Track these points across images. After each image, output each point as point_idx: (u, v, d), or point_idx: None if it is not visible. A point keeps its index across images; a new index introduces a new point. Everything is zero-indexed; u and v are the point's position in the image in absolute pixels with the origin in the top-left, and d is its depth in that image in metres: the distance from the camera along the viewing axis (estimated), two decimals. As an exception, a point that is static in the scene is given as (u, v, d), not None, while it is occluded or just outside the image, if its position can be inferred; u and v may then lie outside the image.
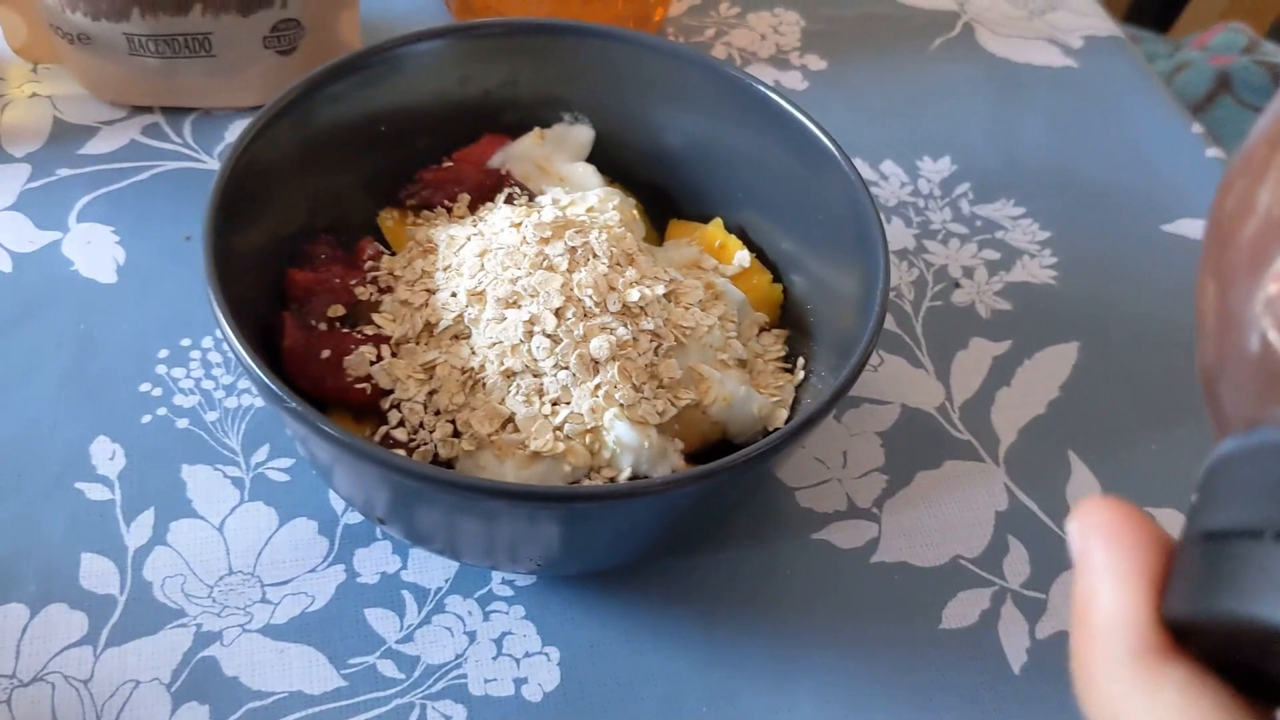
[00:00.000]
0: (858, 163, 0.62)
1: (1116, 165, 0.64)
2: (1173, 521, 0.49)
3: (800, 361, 0.47)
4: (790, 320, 0.50)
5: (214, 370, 0.50)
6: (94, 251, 0.54)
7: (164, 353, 0.50)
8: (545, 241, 0.44)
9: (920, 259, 0.58)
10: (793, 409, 0.46)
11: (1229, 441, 0.23)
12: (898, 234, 0.59)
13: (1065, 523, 0.25)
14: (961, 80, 0.68)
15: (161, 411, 0.49)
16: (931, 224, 0.60)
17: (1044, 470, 0.50)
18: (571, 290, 0.43)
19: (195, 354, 0.51)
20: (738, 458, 0.37)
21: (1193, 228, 0.61)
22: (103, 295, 0.52)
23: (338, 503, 0.46)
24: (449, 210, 0.50)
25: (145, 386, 0.49)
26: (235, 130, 0.60)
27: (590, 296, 0.43)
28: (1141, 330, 0.56)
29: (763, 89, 0.48)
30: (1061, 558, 0.48)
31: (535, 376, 0.42)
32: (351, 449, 0.36)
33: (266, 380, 0.37)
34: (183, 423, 0.48)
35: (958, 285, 0.57)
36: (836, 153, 0.46)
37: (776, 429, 0.45)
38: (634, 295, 0.44)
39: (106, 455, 0.47)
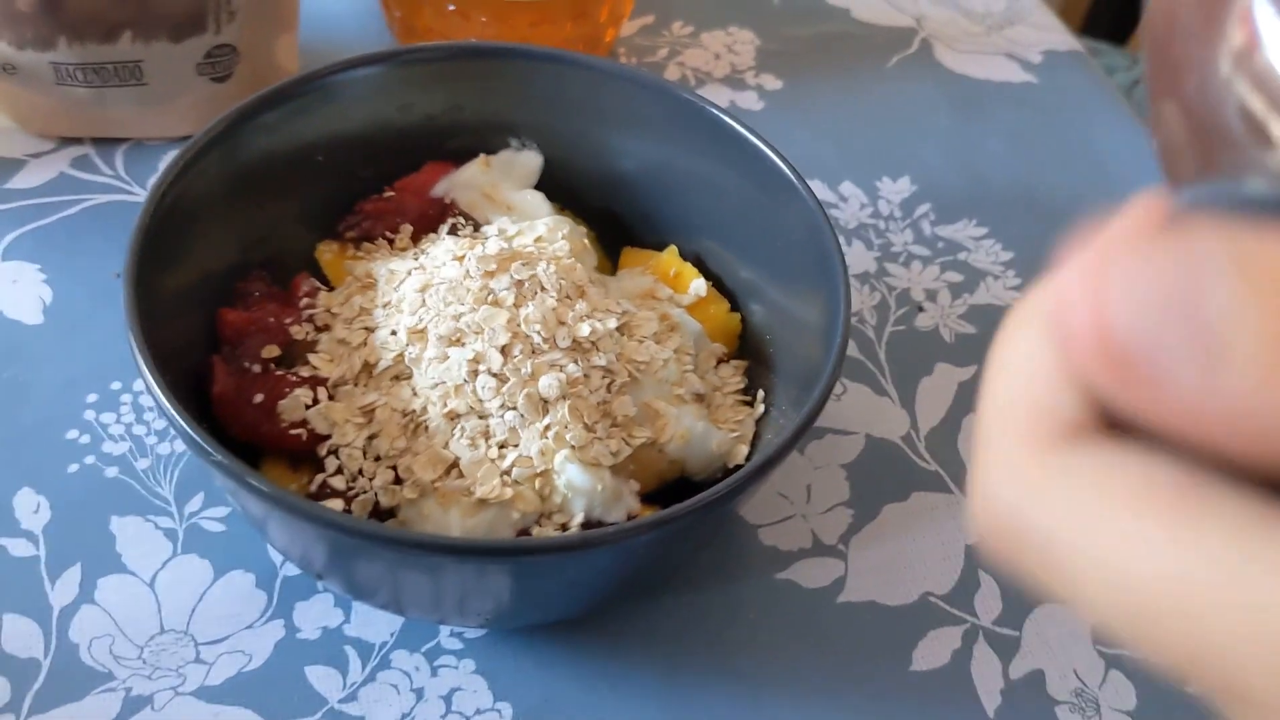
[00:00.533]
0: (816, 185, 0.60)
1: (1080, 184, 0.63)
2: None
3: (760, 394, 0.45)
4: (749, 350, 0.48)
5: (146, 414, 0.48)
6: (19, 291, 0.51)
7: (93, 397, 0.48)
8: (490, 275, 0.42)
9: (882, 282, 0.57)
10: (753, 443, 0.44)
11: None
12: (858, 257, 0.57)
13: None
14: (921, 98, 0.67)
15: (89, 460, 0.46)
16: (893, 246, 0.58)
17: (1014, 500, 0.49)
18: (518, 326, 0.41)
19: (126, 398, 0.48)
20: (697, 502, 0.35)
21: (1158, 245, 0.60)
22: (28, 338, 0.50)
23: (276, 554, 0.44)
24: (390, 242, 0.48)
25: (72, 434, 0.47)
26: (169, 160, 0.57)
27: (538, 332, 0.41)
28: (1109, 352, 0.55)
29: (717, 113, 0.47)
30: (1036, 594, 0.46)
31: (481, 418, 0.40)
32: (283, 504, 0.34)
33: (190, 431, 0.35)
34: (112, 471, 0.46)
35: (921, 309, 0.56)
36: (794, 178, 0.44)
37: (737, 465, 0.44)
38: (584, 330, 0.42)
39: (30, 508, 0.45)
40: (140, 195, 0.56)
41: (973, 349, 0.54)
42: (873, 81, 0.67)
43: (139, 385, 0.48)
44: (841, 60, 0.68)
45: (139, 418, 0.48)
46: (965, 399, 0.52)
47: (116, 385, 0.48)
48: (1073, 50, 0.71)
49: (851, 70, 0.68)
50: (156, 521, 0.45)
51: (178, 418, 0.35)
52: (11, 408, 0.47)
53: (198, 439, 0.34)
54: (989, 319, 0.55)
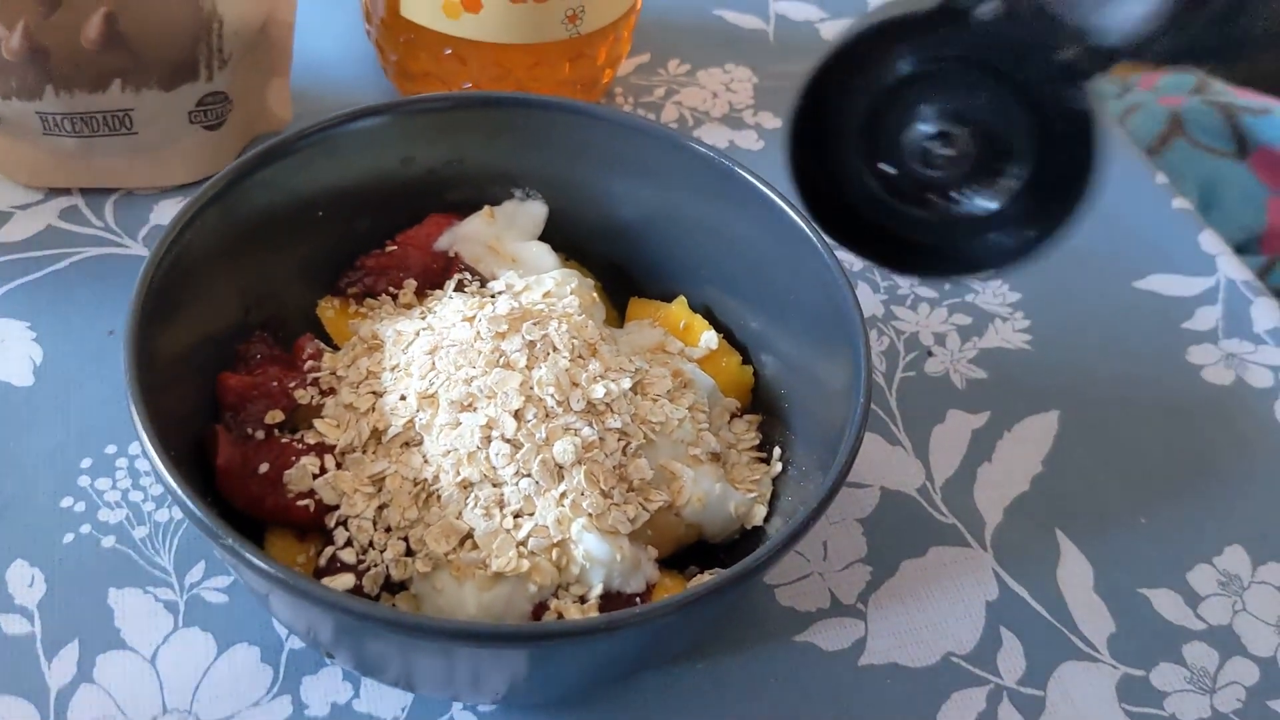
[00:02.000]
0: (820, 226, 0.59)
1: (1084, 222, 0.62)
2: (1171, 605, 0.47)
3: (777, 452, 0.44)
4: (762, 404, 0.47)
5: (143, 480, 0.46)
6: (8, 351, 0.50)
7: (87, 462, 0.46)
8: (501, 336, 0.41)
9: (890, 326, 0.56)
10: (771, 503, 0.43)
11: None
12: (865, 300, 0.56)
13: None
14: (921, 135, 0.66)
15: (85, 529, 0.45)
16: (899, 288, 0.57)
17: (1033, 553, 0.48)
18: (531, 389, 0.40)
19: (122, 462, 0.47)
20: (725, 579, 0.34)
21: (1165, 284, 0.59)
22: (18, 400, 0.48)
23: (282, 626, 0.43)
24: (394, 298, 0.47)
25: (67, 501, 0.45)
26: (161, 211, 0.56)
27: (552, 395, 0.40)
28: (1119, 395, 0.54)
29: (727, 162, 0.46)
30: (1058, 649, 0.45)
31: (495, 486, 0.39)
32: (292, 588, 0.33)
33: (199, 514, 0.33)
34: (109, 540, 0.44)
35: (930, 354, 0.55)
36: (806, 229, 0.43)
37: (755, 526, 0.43)
38: (599, 391, 0.41)
39: (24, 582, 0.43)
40: (132, 247, 0.54)
41: (984, 395, 0.53)
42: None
43: (134, 448, 0.47)
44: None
45: (135, 483, 0.46)
46: (979, 447, 0.51)
47: (111, 449, 0.47)
48: (1071, 84, 0.70)
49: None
50: (156, 593, 0.43)
51: (185, 499, 0.34)
52: (2, 474, 0.46)
53: (208, 522, 0.33)
54: (999, 363, 0.55)
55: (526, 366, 0.40)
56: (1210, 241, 0.62)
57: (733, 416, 0.46)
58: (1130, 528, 0.49)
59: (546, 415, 0.40)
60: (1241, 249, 0.79)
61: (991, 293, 0.58)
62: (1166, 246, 0.61)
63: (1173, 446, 0.53)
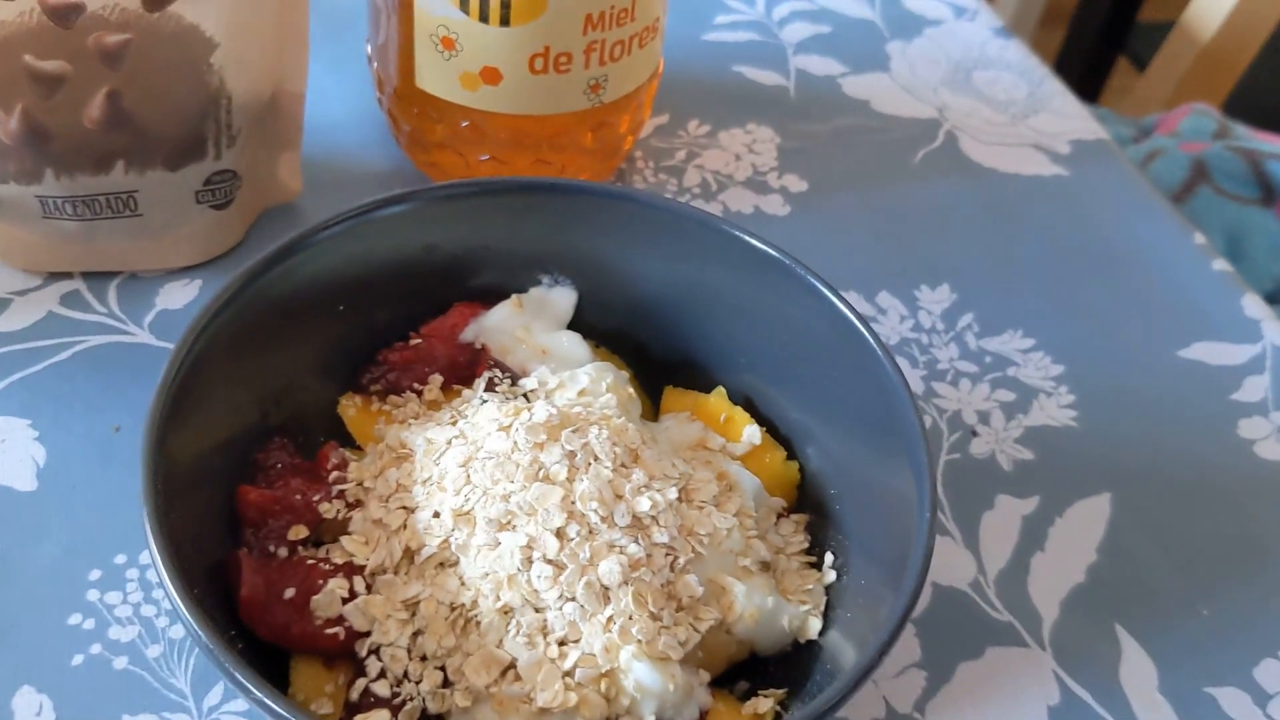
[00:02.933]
0: (852, 296, 0.57)
1: (1122, 285, 0.60)
2: (1239, 705, 0.45)
3: (829, 559, 0.42)
4: (808, 502, 0.44)
5: (155, 592, 0.43)
6: (9, 452, 0.47)
7: (96, 574, 0.44)
8: (540, 447, 0.38)
9: (931, 404, 0.53)
10: (825, 613, 0.41)
11: None
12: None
13: None
14: (950, 195, 0.64)
15: (95, 649, 0.42)
16: (938, 363, 0.55)
17: (1093, 651, 0.46)
18: (573, 504, 0.38)
19: (132, 573, 0.44)
20: (803, 718, 0.32)
21: (1210, 352, 0.57)
22: (20, 507, 0.45)
23: (308, 753, 0.40)
24: (419, 395, 0.44)
25: (75, 618, 0.43)
26: (166, 295, 0.53)
27: (595, 510, 0.37)
28: (1172, 475, 0.52)
29: (767, 248, 0.43)
30: (1126, 759, 0.43)
31: (537, 611, 0.37)
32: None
33: (230, 667, 0.31)
34: (121, 661, 0.42)
35: (975, 434, 0.52)
36: (854, 319, 0.41)
37: (809, 640, 0.40)
38: (644, 504, 0.38)
39: (32, 710, 0.40)
40: (137, 335, 0.52)
41: (1033, 477, 0.51)
42: (900, 180, 0.65)
43: (145, 558, 0.44)
44: (866, 157, 0.65)
45: (147, 596, 0.43)
46: (1031, 536, 0.49)
47: (121, 559, 0.44)
48: (1099, 139, 0.69)
49: (877, 168, 0.65)
50: (173, 720, 0.41)
51: (210, 646, 0.31)
52: (5, 589, 0.43)
53: (238, 676, 0.31)
54: (1046, 442, 0.52)
55: (567, 479, 0.38)
56: (1254, 305, 0.60)
57: (779, 517, 0.44)
58: (1191, 620, 0.47)
59: (590, 532, 0.37)
60: (1271, 298, 0.78)
61: (1034, 366, 0.55)
62: (1209, 312, 0.59)
63: (1229, 529, 0.50)
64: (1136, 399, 0.55)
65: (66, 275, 0.53)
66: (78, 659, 0.42)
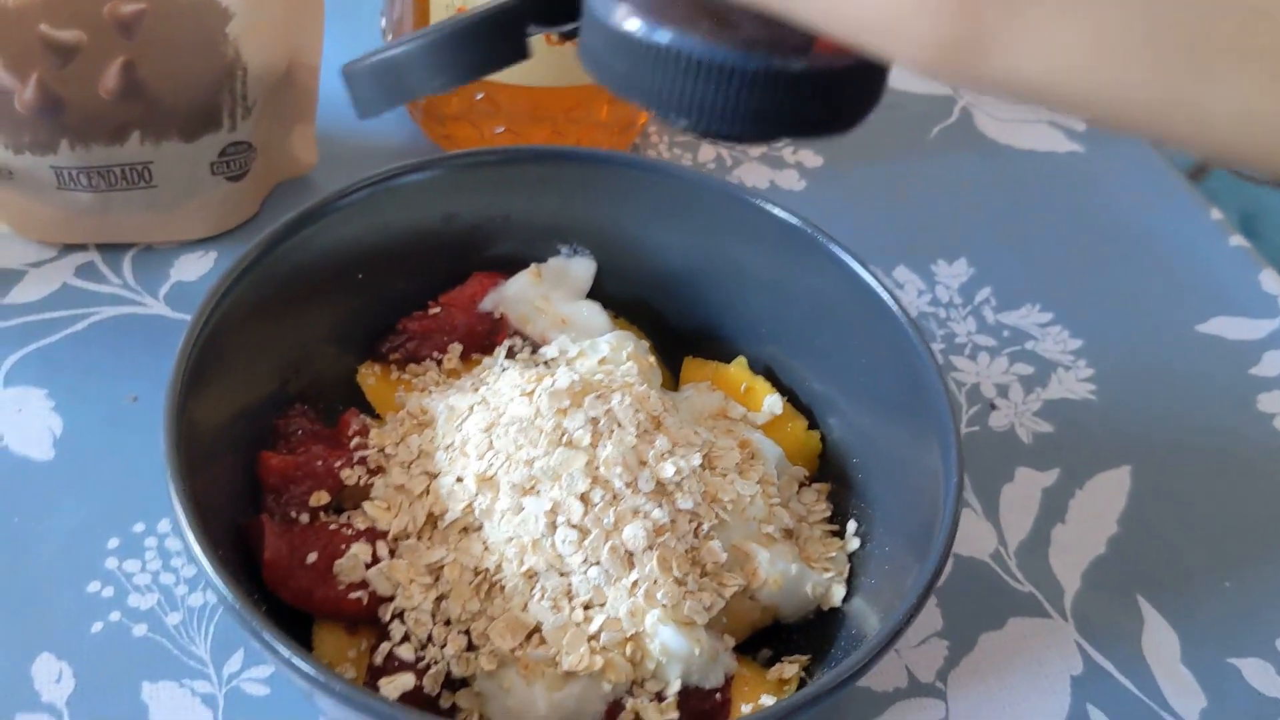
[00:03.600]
0: (870, 271, 0.57)
1: (1139, 260, 0.60)
2: (1262, 675, 0.44)
3: (852, 526, 0.42)
4: (830, 471, 0.44)
5: (174, 560, 0.43)
6: (26, 422, 0.47)
7: (114, 542, 0.44)
8: (563, 413, 0.38)
9: (950, 378, 0.53)
10: (848, 580, 0.41)
11: None
12: (921, 350, 0.54)
13: None
14: (966, 171, 0.64)
15: (115, 616, 0.42)
16: (956, 337, 0.55)
17: (1115, 622, 0.45)
18: (597, 470, 0.37)
19: (151, 540, 0.44)
20: (824, 687, 0.31)
21: (1228, 327, 0.57)
22: (38, 476, 0.45)
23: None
24: (438, 363, 0.44)
25: (94, 586, 0.42)
26: (181, 267, 0.53)
27: (619, 476, 0.37)
28: (1192, 448, 0.52)
29: (789, 217, 0.43)
30: (1150, 728, 0.42)
31: (562, 576, 0.36)
32: (354, 703, 0.30)
33: (257, 627, 0.31)
34: (140, 629, 0.42)
35: (994, 407, 0.52)
36: (880, 290, 0.41)
37: (832, 608, 0.40)
38: (668, 470, 0.38)
39: (51, 677, 0.40)
40: (152, 306, 0.51)
41: (1052, 450, 0.51)
42: (915, 155, 0.64)
43: (164, 526, 0.44)
44: (881, 133, 0.65)
45: (166, 564, 0.43)
46: (1051, 508, 0.49)
47: (139, 527, 0.44)
48: (1116, 115, 0.68)
49: (892, 144, 0.65)
50: (193, 687, 0.40)
51: (236, 605, 0.31)
52: (24, 558, 0.43)
53: (267, 637, 0.30)
54: (1065, 415, 0.52)
55: (591, 445, 0.38)
56: (1271, 281, 0.59)
57: (801, 486, 0.44)
58: (1214, 592, 0.47)
59: (614, 498, 0.37)
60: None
61: (1052, 340, 0.55)
62: (1227, 287, 0.59)
63: (1250, 502, 0.50)
64: (1155, 373, 0.55)
65: (81, 247, 0.53)
66: (97, 626, 0.41)
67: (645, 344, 0.45)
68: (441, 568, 0.37)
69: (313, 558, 0.37)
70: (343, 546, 0.37)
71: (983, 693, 0.43)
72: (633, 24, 0.24)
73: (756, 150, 0.63)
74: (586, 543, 0.36)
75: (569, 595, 0.36)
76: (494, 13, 0.29)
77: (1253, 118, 0.19)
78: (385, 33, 0.58)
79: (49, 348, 0.49)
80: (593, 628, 0.36)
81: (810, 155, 0.63)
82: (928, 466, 0.38)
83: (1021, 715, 0.42)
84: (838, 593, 0.40)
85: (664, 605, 0.36)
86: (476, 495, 0.37)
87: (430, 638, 0.36)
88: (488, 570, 0.37)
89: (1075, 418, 0.52)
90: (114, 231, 0.53)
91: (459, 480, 0.38)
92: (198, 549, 0.32)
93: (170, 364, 0.36)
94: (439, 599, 0.37)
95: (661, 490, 0.38)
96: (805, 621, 0.41)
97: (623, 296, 0.47)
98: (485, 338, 0.45)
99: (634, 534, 0.36)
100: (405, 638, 0.36)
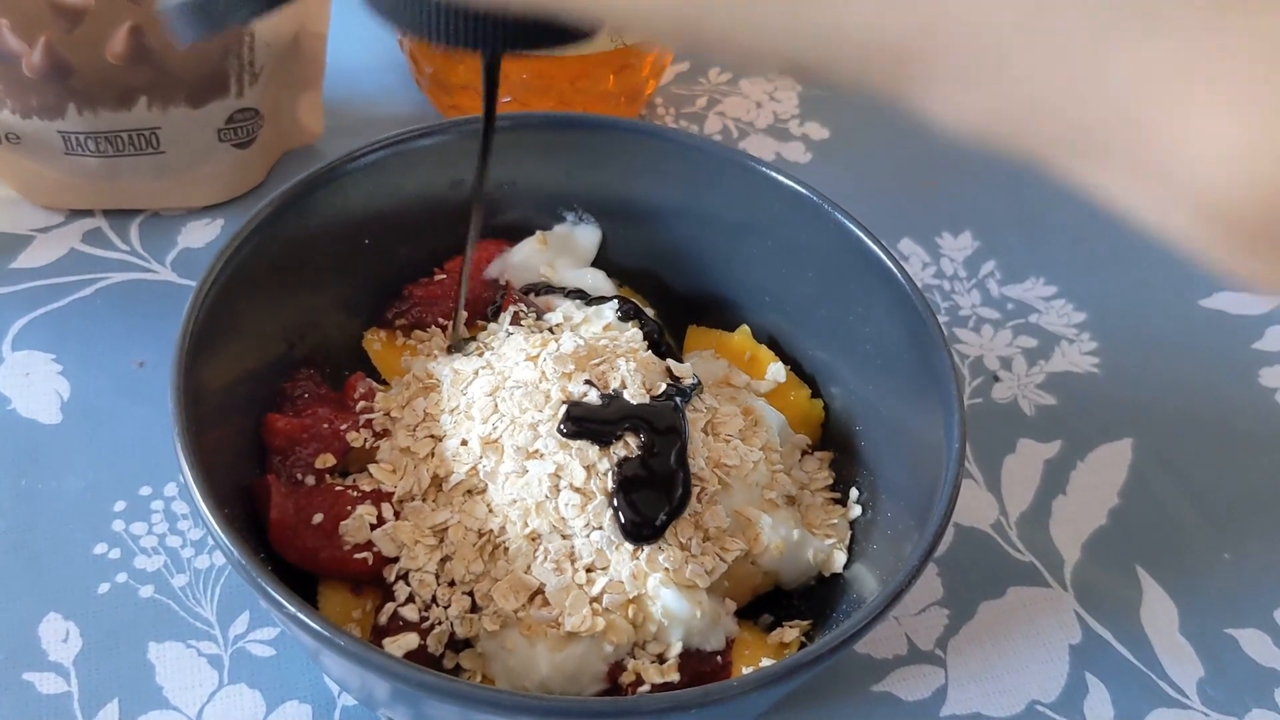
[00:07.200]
0: (874, 243, 0.57)
1: (1143, 235, 0.60)
2: (1260, 646, 0.45)
3: (854, 494, 0.42)
4: (833, 440, 0.44)
5: (180, 523, 0.44)
6: (33, 386, 0.47)
7: (121, 505, 0.44)
8: (568, 377, 0.38)
9: (954, 350, 0.53)
10: (849, 547, 0.41)
11: None
12: (925, 322, 0.54)
13: None
14: (971, 144, 0.63)
15: (121, 578, 0.42)
16: (960, 309, 0.55)
17: (1115, 592, 0.46)
18: (601, 434, 0.37)
19: (157, 504, 0.44)
20: (823, 649, 0.32)
21: (1231, 302, 0.57)
22: (46, 439, 0.46)
23: (333, 681, 0.40)
24: (444, 329, 0.44)
25: (100, 548, 0.43)
26: (189, 233, 0.53)
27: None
28: (1193, 421, 0.52)
29: (797, 186, 0.43)
30: (1147, 696, 0.43)
31: (564, 538, 0.37)
32: (360, 659, 0.30)
33: (264, 584, 0.31)
34: (147, 590, 0.42)
35: (997, 379, 0.52)
36: (886, 259, 0.41)
37: (833, 574, 0.40)
38: (671, 435, 0.38)
39: (59, 637, 0.41)
40: (159, 272, 0.52)
41: (1054, 422, 0.51)
42: (920, 128, 0.64)
43: (170, 489, 0.44)
44: (887, 106, 0.65)
45: (172, 527, 0.44)
46: (1053, 479, 0.49)
47: (146, 490, 0.44)
48: (1123, 90, 0.68)
49: (897, 116, 0.64)
50: (199, 647, 0.41)
51: (243, 563, 0.31)
52: (32, 520, 0.43)
53: (273, 593, 0.31)
54: (1068, 387, 0.52)
55: (595, 408, 0.38)
56: (1277, 256, 0.59)
57: (803, 454, 0.44)
58: (1213, 564, 0.47)
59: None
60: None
61: (1056, 313, 0.55)
62: (1232, 262, 0.59)
63: (1251, 475, 0.50)
64: (1158, 347, 0.55)
65: (88, 213, 0.53)
66: (104, 587, 0.42)
67: (649, 311, 0.45)
68: (446, 529, 0.37)
69: (319, 518, 0.37)
70: (348, 508, 0.37)
71: (982, 661, 0.43)
72: None
73: (763, 122, 0.63)
74: (590, 507, 0.36)
75: (572, 557, 0.36)
76: None
77: None
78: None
79: (56, 313, 0.50)
80: (595, 590, 0.36)
81: (816, 128, 0.63)
82: (930, 435, 0.38)
83: (1020, 683, 0.43)
84: (839, 559, 0.40)
85: (666, 569, 0.36)
86: (481, 458, 0.38)
87: (434, 599, 0.36)
88: (491, 532, 0.37)
89: (1078, 390, 0.52)
90: (121, 197, 0.53)
91: (464, 443, 0.38)
92: (204, 508, 0.32)
93: (177, 330, 0.36)
94: (443, 560, 0.37)
95: (664, 455, 0.38)
96: (806, 587, 0.41)
97: (628, 265, 0.47)
98: (489, 304, 0.45)
99: (637, 498, 0.37)
100: (410, 598, 0.37)
